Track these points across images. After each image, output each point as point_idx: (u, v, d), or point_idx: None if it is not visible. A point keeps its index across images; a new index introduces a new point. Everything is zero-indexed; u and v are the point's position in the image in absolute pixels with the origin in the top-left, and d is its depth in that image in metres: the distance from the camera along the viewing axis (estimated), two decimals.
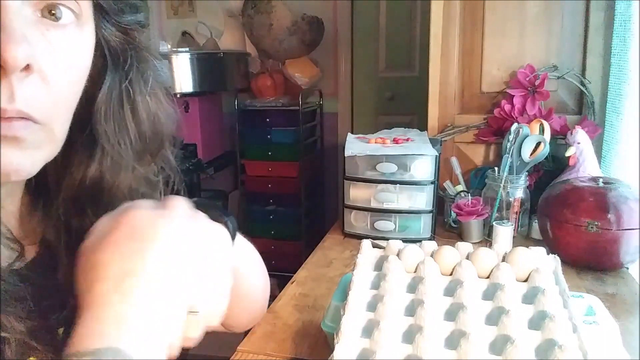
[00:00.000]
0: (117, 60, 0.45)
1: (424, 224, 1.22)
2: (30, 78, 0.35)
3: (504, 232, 1.09)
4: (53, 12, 0.37)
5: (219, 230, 0.40)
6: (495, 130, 1.39)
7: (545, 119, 1.27)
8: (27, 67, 0.34)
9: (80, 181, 0.45)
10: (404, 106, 2.88)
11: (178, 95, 2.51)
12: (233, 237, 0.43)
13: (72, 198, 0.46)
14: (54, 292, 0.43)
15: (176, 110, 0.51)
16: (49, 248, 0.45)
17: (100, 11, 0.42)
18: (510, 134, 1.24)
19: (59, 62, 0.37)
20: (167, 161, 0.53)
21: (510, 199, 1.20)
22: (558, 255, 0.57)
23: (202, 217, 0.40)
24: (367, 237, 1.06)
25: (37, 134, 0.37)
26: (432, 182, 1.21)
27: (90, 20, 0.41)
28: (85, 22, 0.40)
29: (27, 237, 0.44)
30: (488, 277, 0.56)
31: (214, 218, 0.43)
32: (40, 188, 0.46)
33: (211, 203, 0.44)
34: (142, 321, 0.33)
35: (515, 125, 1.26)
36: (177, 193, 0.54)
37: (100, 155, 0.46)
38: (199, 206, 0.41)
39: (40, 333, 0.40)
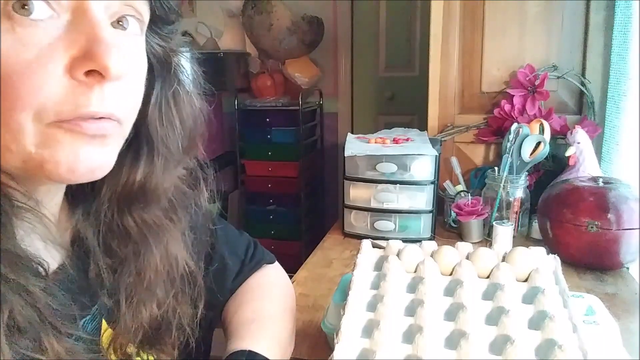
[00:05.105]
0: (162, 65, 0.47)
1: (424, 224, 1.22)
2: (118, 82, 0.37)
3: (504, 232, 1.09)
4: (121, 22, 0.39)
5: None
6: (495, 130, 1.39)
7: (545, 119, 1.27)
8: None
9: (127, 182, 0.46)
10: (404, 106, 2.88)
11: None
12: None
13: (116, 198, 0.46)
14: (84, 292, 0.44)
15: (205, 106, 0.54)
16: (81, 247, 0.46)
17: (150, 21, 0.44)
18: (510, 133, 1.24)
19: (132, 67, 0.40)
20: (198, 158, 0.55)
21: (510, 199, 1.20)
22: (558, 255, 0.57)
23: None
24: (367, 237, 1.06)
25: (117, 133, 0.40)
26: (432, 182, 1.21)
27: (144, 29, 0.43)
28: (143, 31, 0.43)
29: (61, 237, 0.45)
30: (488, 277, 0.56)
31: None
32: (80, 189, 0.46)
33: None
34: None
35: (515, 125, 1.26)
36: (212, 190, 0.58)
37: (148, 157, 0.47)
38: None
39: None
